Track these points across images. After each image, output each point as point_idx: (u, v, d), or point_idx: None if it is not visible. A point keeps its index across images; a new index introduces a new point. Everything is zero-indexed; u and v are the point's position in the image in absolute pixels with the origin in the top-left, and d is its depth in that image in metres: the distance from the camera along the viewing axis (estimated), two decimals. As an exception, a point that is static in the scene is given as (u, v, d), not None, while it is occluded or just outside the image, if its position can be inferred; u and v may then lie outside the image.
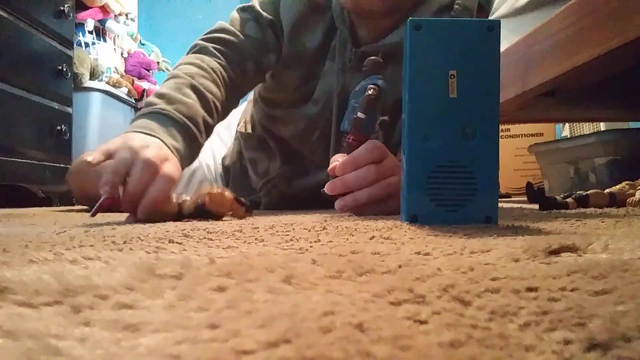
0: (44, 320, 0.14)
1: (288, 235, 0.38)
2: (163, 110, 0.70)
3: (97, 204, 0.54)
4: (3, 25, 1.32)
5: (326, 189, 0.60)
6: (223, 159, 1.13)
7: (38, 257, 0.25)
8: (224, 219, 0.60)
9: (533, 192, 0.97)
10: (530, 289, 0.18)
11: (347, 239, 0.34)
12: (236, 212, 0.61)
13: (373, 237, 0.35)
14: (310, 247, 0.30)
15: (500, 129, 0.54)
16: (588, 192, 0.75)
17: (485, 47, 0.45)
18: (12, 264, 0.24)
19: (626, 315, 0.14)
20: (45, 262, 0.24)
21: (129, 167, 0.55)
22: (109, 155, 0.57)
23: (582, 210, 0.69)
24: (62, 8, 1.60)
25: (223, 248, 0.31)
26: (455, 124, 0.45)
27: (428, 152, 0.45)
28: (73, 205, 1.57)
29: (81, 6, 2.05)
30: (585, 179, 1.24)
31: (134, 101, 2.35)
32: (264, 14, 0.87)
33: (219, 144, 1.16)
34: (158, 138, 0.64)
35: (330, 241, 0.33)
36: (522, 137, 2.21)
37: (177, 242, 0.33)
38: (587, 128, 2.00)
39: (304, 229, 0.43)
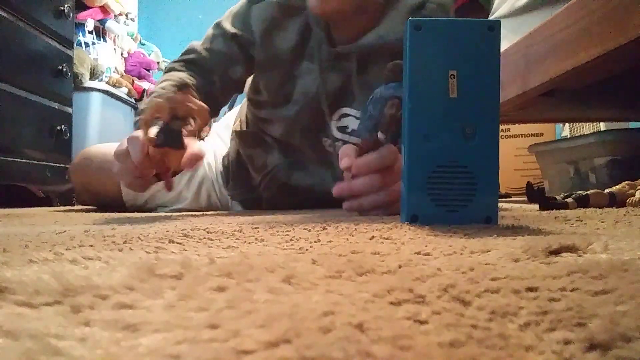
0: (44, 320, 0.14)
1: (288, 235, 0.38)
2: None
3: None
4: (3, 25, 1.32)
5: (334, 191, 0.61)
6: (223, 158, 1.13)
7: (38, 257, 0.25)
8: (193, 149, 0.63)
9: (533, 192, 0.97)
10: (530, 289, 0.18)
11: (347, 239, 0.34)
12: (200, 114, 0.62)
13: (373, 237, 0.35)
14: (310, 247, 0.30)
15: (500, 129, 0.53)
16: (588, 192, 0.75)
17: (485, 47, 0.45)
18: (12, 264, 0.24)
19: (626, 315, 0.14)
20: (45, 262, 0.24)
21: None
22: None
23: (582, 210, 0.69)
24: (62, 8, 1.60)
25: (223, 248, 0.31)
26: (455, 124, 0.45)
27: (428, 152, 0.45)
28: (73, 205, 1.57)
29: (81, 6, 2.05)
30: (585, 179, 1.24)
31: (134, 101, 2.35)
32: (229, 28, 0.92)
33: (220, 143, 1.16)
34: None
35: (330, 241, 0.33)
36: (522, 137, 2.21)
37: (177, 242, 0.33)
38: (587, 128, 2.00)
39: (304, 229, 0.43)
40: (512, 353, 0.12)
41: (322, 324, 0.13)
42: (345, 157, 0.61)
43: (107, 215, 0.87)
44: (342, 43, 0.86)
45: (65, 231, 0.44)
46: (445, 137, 0.45)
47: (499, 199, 0.61)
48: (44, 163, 1.51)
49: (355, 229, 0.42)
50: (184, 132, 0.63)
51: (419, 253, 0.27)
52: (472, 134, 0.45)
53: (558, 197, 0.74)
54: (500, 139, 0.46)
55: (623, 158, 1.14)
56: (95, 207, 1.13)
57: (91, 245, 0.31)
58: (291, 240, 0.34)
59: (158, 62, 2.64)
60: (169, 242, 0.33)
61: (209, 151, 1.12)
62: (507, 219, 0.53)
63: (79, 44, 2.06)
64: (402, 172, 0.48)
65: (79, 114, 1.88)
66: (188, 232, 0.41)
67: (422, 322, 0.14)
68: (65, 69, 1.61)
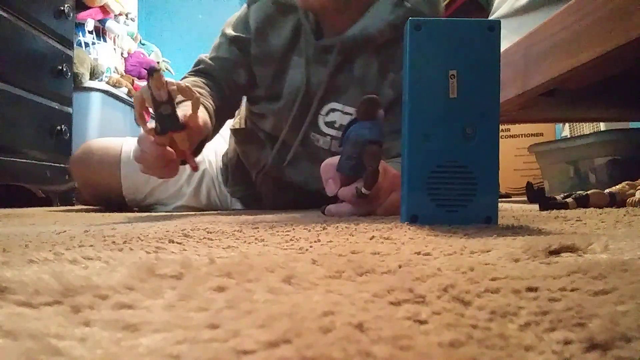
0: (44, 320, 0.14)
1: (288, 235, 0.38)
2: None
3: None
4: (3, 25, 1.32)
5: (326, 211, 0.64)
6: (222, 156, 1.14)
7: (38, 257, 0.25)
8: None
9: (533, 192, 0.97)
10: (530, 289, 0.18)
11: (347, 239, 0.34)
12: (180, 90, 0.64)
13: (373, 237, 0.35)
14: (310, 247, 0.30)
15: (500, 129, 0.53)
16: (588, 192, 0.75)
17: (485, 47, 0.45)
18: (12, 264, 0.24)
19: (626, 315, 0.14)
20: (45, 262, 0.24)
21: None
22: None
23: (582, 210, 0.69)
24: (62, 8, 1.60)
25: (223, 248, 0.31)
26: (455, 124, 0.45)
27: (428, 152, 0.45)
28: (73, 205, 1.57)
29: (81, 6, 2.05)
30: (585, 179, 1.24)
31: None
32: (230, 33, 0.94)
33: (220, 141, 1.17)
34: None
35: (330, 241, 0.33)
36: (522, 137, 2.21)
37: (177, 242, 0.33)
38: (587, 128, 2.00)
39: (304, 229, 0.43)
40: (512, 353, 0.12)
41: (322, 324, 0.13)
42: (330, 180, 0.62)
43: (107, 215, 0.87)
44: (330, 37, 0.88)
45: (65, 231, 0.44)
46: (445, 137, 0.45)
47: (499, 199, 0.61)
48: (44, 163, 1.51)
49: (355, 229, 0.41)
50: (179, 113, 0.64)
51: (419, 253, 0.27)
52: (472, 134, 0.45)
53: (558, 197, 0.74)
54: (500, 139, 0.46)
55: (623, 158, 1.14)
56: (95, 207, 1.13)
57: (91, 245, 0.31)
58: (291, 240, 0.34)
59: (158, 62, 2.64)
60: (169, 242, 0.33)
61: (209, 149, 1.13)
62: (507, 219, 0.53)
63: (79, 44, 2.06)
64: (402, 172, 0.48)
65: (79, 114, 1.88)
66: (188, 232, 0.41)
67: (422, 322, 0.14)
68: (65, 69, 1.61)
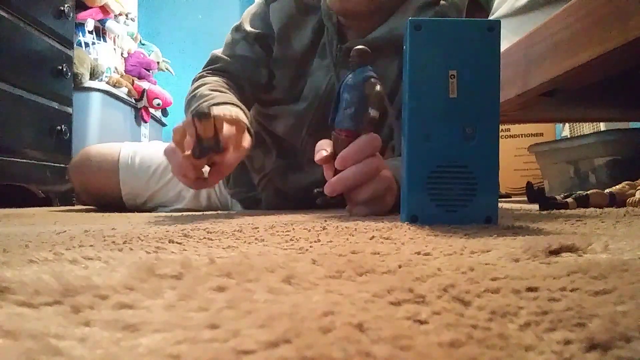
0: (44, 320, 0.14)
1: (288, 235, 0.38)
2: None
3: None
4: (3, 25, 1.32)
5: (326, 190, 0.59)
6: None
7: (38, 257, 0.25)
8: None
9: (533, 192, 0.97)
10: (530, 289, 0.18)
11: (347, 239, 0.34)
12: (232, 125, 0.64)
13: (373, 237, 0.35)
14: (310, 247, 0.30)
15: (500, 129, 0.53)
16: (588, 192, 0.75)
17: (485, 47, 0.45)
18: (12, 264, 0.24)
19: (626, 315, 0.14)
20: (45, 262, 0.24)
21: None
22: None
23: (582, 210, 0.69)
24: (62, 8, 1.60)
25: (223, 248, 0.31)
26: (455, 124, 0.45)
27: (428, 152, 0.45)
28: (73, 205, 1.57)
29: (81, 6, 2.05)
30: (585, 179, 1.24)
31: (134, 101, 2.35)
32: (251, 29, 0.92)
33: None
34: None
35: (330, 241, 0.33)
36: (522, 137, 2.21)
37: (177, 242, 0.33)
38: (587, 128, 2.00)
39: (304, 229, 0.43)
40: (512, 353, 0.12)
41: (322, 324, 0.13)
42: (321, 150, 0.60)
43: (107, 215, 0.87)
44: (353, 39, 0.87)
45: (65, 231, 0.44)
46: (445, 137, 0.45)
47: (499, 199, 0.61)
48: (44, 163, 1.51)
49: (355, 229, 0.41)
50: (220, 136, 0.62)
51: (419, 253, 0.27)
52: (472, 134, 0.45)
53: (558, 197, 0.74)
54: (500, 139, 0.46)
55: (623, 158, 1.14)
56: (95, 207, 1.13)
57: (91, 245, 0.31)
58: (291, 240, 0.34)
59: (158, 62, 2.64)
60: (169, 242, 0.33)
61: None
62: (507, 219, 0.53)
63: (79, 44, 2.06)
64: (402, 172, 0.48)
65: (79, 114, 1.88)
66: (188, 232, 0.41)
67: (422, 322, 0.14)
68: (65, 69, 1.61)
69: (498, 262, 0.24)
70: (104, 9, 2.18)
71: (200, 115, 0.57)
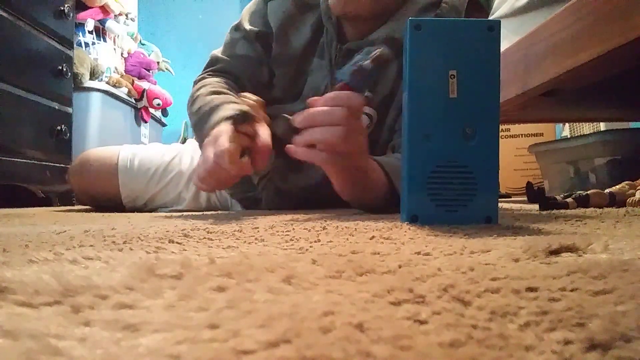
0: (44, 320, 0.14)
1: (288, 235, 0.38)
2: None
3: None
4: (3, 25, 1.32)
5: (294, 120, 0.60)
6: None
7: (38, 257, 0.25)
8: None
9: (533, 192, 0.97)
10: (530, 289, 0.18)
11: (347, 239, 0.34)
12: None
13: (373, 237, 0.35)
14: (310, 247, 0.30)
15: (500, 129, 0.53)
16: (588, 192, 0.75)
17: (485, 47, 0.45)
18: (12, 264, 0.24)
19: (626, 315, 0.14)
20: (45, 262, 0.24)
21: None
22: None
23: (582, 210, 0.69)
24: (62, 8, 1.60)
25: (223, 248, 0.31)
26: (455, 124, 0.45)
27: (428, 152, 0.45)
28: (73, 205, 1.57)
29: (81, 6, 2.05)
30: (585, 179, 1.24)
31: (134, 101, 2.35)
32: (251, 28, 0.91)
33: None
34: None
35: (330, 241, 0.33)
36: (522, 137, 2.21)
37: (177, 242, 0.33)
38: (587, 128, 2.00)
39: (304, 229, 0.43)
40: (512, 353, 0.12)
41: (322, 324, 0.13)
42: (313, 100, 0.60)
43: (107, 215, 0.87)
44: (352, 40, 0.87)
45: (65, 231, 0.44)
46: (445, 137, 0.45)
47: (499, 199, 0.61)
48: (44, 163, 1.51)
49: (355, 229, 0.41)
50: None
51: (419, 253, 0.27)
52: (472, 134, 0.45)
53: (558, 197, 0.74)
54: (500, 139, 0.46)
55: (623, 158, 1.14)
56: (95, 208, 1.13)
57: (91, 245, 0.31)
58: (291, 240, 0.34)
59: (158, 62, 2.64)
60: (169, 242, 0.33)
61: None
62: (507, 219, 0.53)
63: (79, 44, 2.06)
64: (402, 172, 0.48)
65: (79, 114, 1.88)
66: (188, 232, 0.41)
67: (422, 322, 0.14)
68: (65, 69, 1.61)
69: (498, 262, 0.24)
70: (104, 9, 2.18)
71: (244, 118, 0.61)
